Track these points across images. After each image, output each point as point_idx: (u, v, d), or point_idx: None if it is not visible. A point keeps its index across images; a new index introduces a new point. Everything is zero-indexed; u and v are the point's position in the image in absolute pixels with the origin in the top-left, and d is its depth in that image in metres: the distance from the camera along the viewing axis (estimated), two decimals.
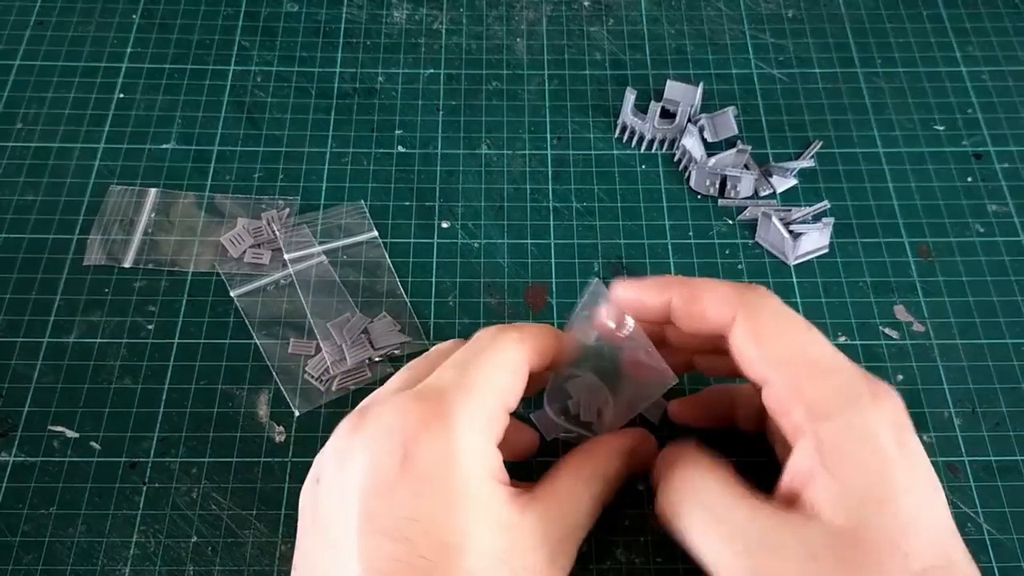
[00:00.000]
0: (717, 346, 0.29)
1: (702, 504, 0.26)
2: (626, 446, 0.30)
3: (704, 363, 0.32)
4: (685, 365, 0.32)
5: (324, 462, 0.27)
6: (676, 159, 0.44)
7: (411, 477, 0.24)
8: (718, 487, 0.26)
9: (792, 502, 0.25)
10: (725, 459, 0.28)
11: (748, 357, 0.27)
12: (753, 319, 0.27)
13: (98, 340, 0.38)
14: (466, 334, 0.38)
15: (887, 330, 0.39)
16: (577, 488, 0.28)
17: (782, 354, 0.26)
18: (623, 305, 0.29)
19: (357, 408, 0.28)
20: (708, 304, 0.28)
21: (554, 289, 0.40)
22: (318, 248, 0.40)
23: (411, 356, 0.38)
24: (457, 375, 0.27)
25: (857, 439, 0.24)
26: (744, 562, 0.24)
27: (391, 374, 0.37)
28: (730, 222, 0.42)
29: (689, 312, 0.28)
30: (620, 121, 0.44)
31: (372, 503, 0.24)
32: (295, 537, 0.28)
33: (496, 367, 0.27)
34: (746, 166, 0.43)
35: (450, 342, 0.32)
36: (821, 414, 0.25)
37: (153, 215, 0.42)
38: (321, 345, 0.38)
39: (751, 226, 0.42)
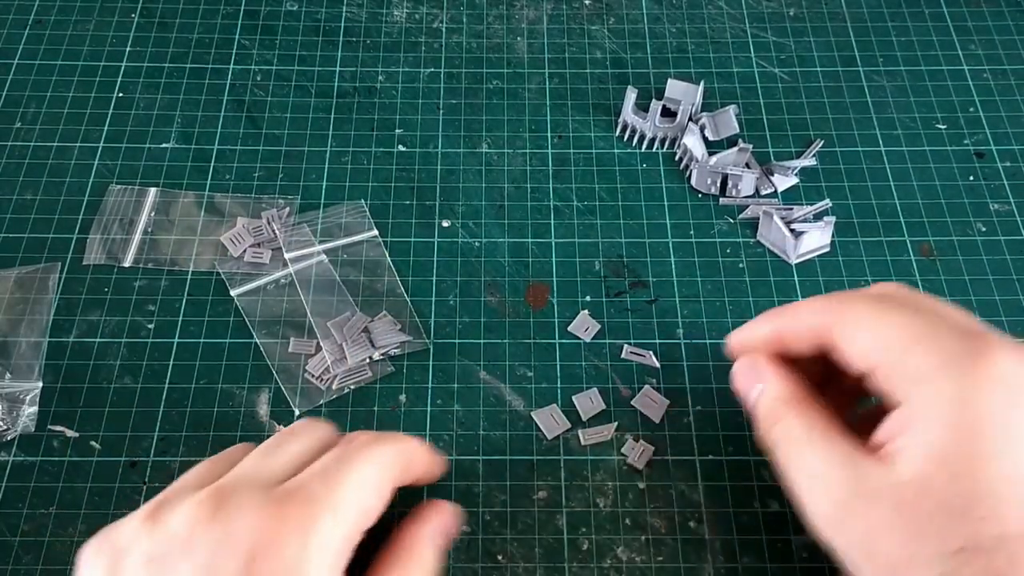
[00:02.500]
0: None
1: (804, 470, 0.27)
2: (434, 530, 0.29)
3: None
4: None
5: (165, 542, 0.25)
6: (677, 158, 0.44)
7: None
8: (817, 446, 0.27)
9: (879, 452, 0.26)
10: (821, 401, 0.29)
11: (849, 360, 0.28)
12: (842, 325, 0.28)
13: (98, 339, 0.38)
14: (467, 333, 0.39)
15: None
16: None
17: (875, 348, 0.27)
18: (745, 347, 0.31)
19: (215, 490, 0.25)
20: (802, 322, 0.29)
21: (555, 288, 0.40)
22: (318, 247, 0.40)
23: (412, 355, 0.38)
24: (323, 486, 0.25)
25: (947, 403, 0.24)
26: (837, 512, 0.26)
27: (391, 373, 0.37)
28: (731, 221, 0.42)
29: (795, 335, 0.30)
30: (621, 120, 0.44)
31: None
32: None
33: (365, 485, 0.26)
34: (747, 165, 0.43)
35: (244, 445, 0.30)
36: (915, 380, 0.25)
37: (153, 214, 0.41)
38: (321, 344, 0.38)
39: (752, 225, 0.42)
